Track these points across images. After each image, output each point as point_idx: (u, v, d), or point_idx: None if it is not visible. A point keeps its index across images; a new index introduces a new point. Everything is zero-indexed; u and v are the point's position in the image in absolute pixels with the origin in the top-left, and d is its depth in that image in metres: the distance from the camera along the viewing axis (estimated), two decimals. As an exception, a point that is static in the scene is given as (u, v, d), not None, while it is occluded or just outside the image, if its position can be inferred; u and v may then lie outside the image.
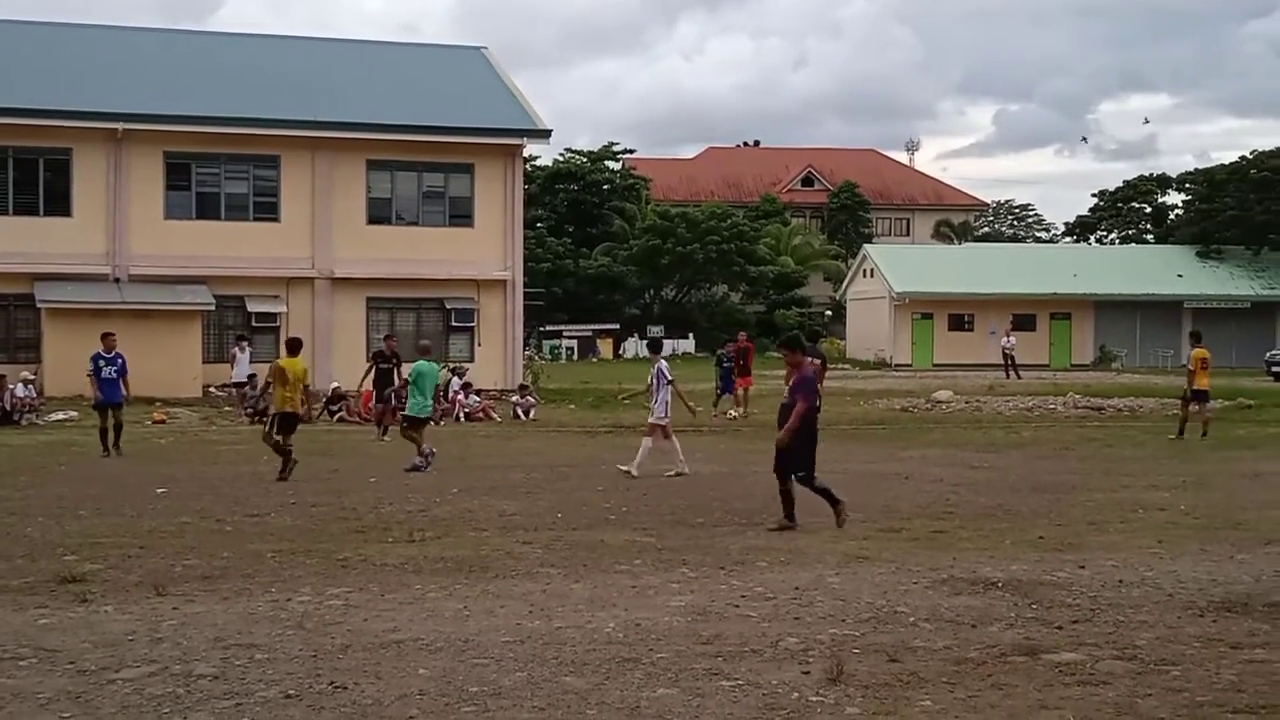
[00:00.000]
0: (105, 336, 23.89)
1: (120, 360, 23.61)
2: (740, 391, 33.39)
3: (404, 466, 20.16)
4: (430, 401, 21.29)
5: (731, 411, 32.80)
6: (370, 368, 29.23)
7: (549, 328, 69.49)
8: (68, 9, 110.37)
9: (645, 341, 52.98)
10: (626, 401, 31.09)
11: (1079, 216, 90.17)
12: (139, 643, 8.78)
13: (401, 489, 18.00)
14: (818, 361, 24.65)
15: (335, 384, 34.63)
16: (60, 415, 31.02)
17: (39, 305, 35.89)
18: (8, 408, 30.36)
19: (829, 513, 14.27)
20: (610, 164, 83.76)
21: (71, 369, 34.31)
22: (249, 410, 31.89)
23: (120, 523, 14.57)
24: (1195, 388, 27.14)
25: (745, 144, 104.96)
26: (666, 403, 20.21)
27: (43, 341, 36.04)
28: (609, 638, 9.07)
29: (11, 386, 30.81)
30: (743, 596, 10.52)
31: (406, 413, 21.49)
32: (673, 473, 19.53)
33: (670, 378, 20.27)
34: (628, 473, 19.41)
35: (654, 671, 8.20)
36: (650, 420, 20.44)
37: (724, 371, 34.17)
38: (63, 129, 36.90)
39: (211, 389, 36.25)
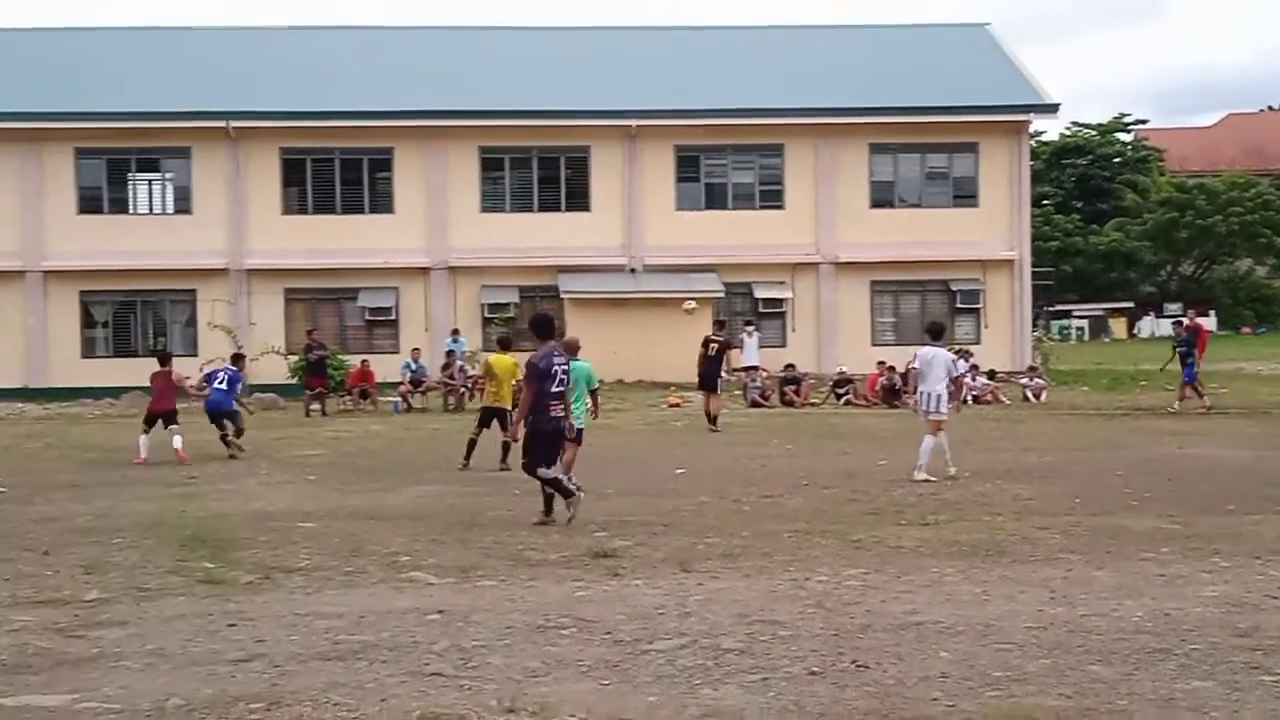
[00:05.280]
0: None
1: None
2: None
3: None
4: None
5: (1177, 405, 29.20)
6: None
7: (1057, 307, 67.59)
8: (587, 12, 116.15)
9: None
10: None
11: None
12: (668, 616, 9.14)
13: (912, 472, 17.92)
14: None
15: (841, 368, 35.00)
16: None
17: (562, 296, 37.97)
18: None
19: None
20: (1121, 136, 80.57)
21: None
22: (759, 394, 32.75)
23: (644, 502, 15.21)
24: None
25: (1270, 109, 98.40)
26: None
27: (565, 330, 38.05)
28: (1137, 627, 8.73)
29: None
30: (1281, 587, 9.91)
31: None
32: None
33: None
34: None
35: (1187, 663, 7.84)
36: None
37: (1181, 356, 29.71)
38: (581, 128, 38.98)
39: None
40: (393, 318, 38.62)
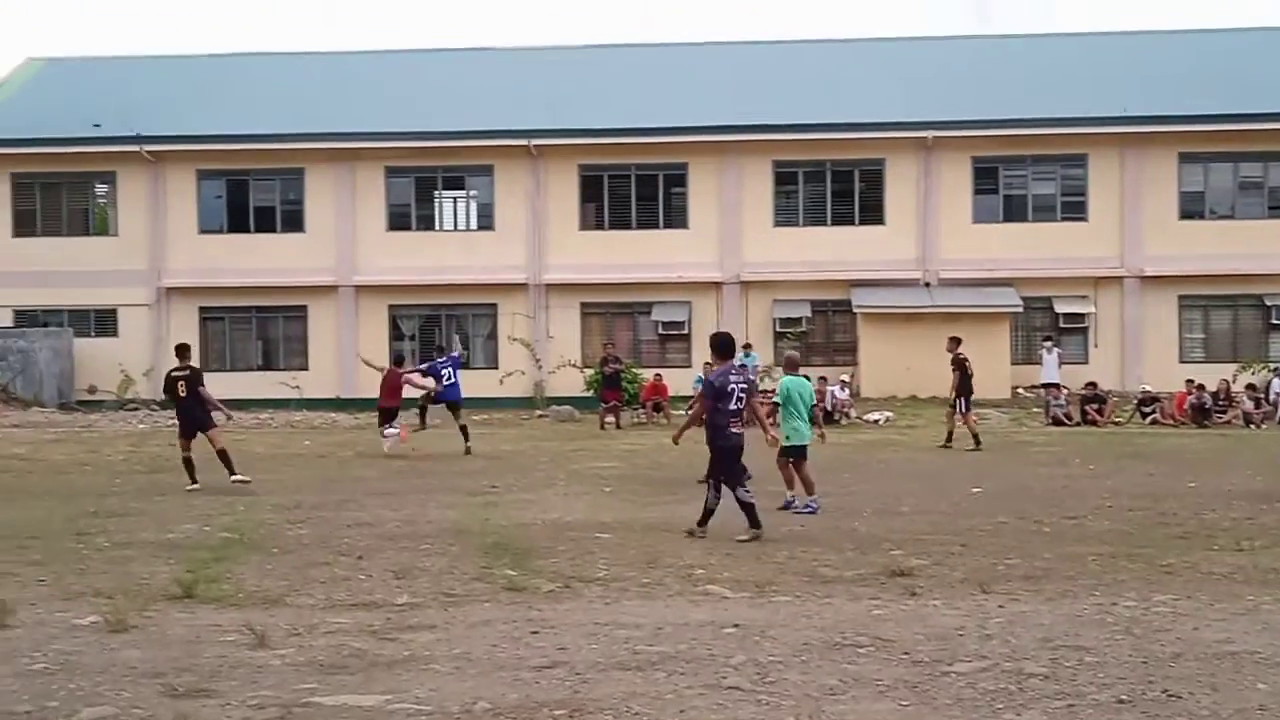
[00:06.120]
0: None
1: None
2: None
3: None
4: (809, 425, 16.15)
5: None
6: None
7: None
8: (884, 23, 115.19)
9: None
10: None
11: None
12: (968, 638, 8.96)
13: (1224, 495, 17.18)
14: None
15: (1145, 386, 33.88)
16: (877, 415, 32.41)
17: (855, 310, 37.78)
18: (829, 408, 32.19)
19: None
20: None
21: (886, 371, 35.94)
22: (1062, 412, 31.89)
23: (940, 520, 14.98)
24: None
25: None
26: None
27: (859, 345, 37.88)
28: None
29: (832, 388, 32.66)
30: None
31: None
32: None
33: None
34: None
35: None
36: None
37: None
38: (876, 141, 38.71)
39: (1020, 390, 36.49)
40: (685, 332, 39.00)
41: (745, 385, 14.03)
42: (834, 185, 39.43)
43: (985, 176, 39.01)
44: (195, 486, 18.62)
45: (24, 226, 40.68)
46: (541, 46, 47.72)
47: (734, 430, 13.84)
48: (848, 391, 33.36)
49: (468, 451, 24.27)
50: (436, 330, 39.94)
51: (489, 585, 11.07)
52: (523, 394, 38.39)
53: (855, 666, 8.22)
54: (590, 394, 35.69)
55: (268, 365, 40.04)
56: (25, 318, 40.17)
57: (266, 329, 40.67)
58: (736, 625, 9.35)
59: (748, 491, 13.74)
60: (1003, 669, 8.13)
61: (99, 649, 8.82)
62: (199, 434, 19.05)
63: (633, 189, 39.76)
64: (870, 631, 9.14)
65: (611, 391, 33.10)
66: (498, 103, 41.09)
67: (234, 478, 18.67)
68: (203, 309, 40.20)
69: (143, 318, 40.07)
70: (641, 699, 7.50)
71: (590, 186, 39.93)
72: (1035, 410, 33.73)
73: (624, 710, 7.30)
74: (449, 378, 25.55)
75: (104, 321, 40.31)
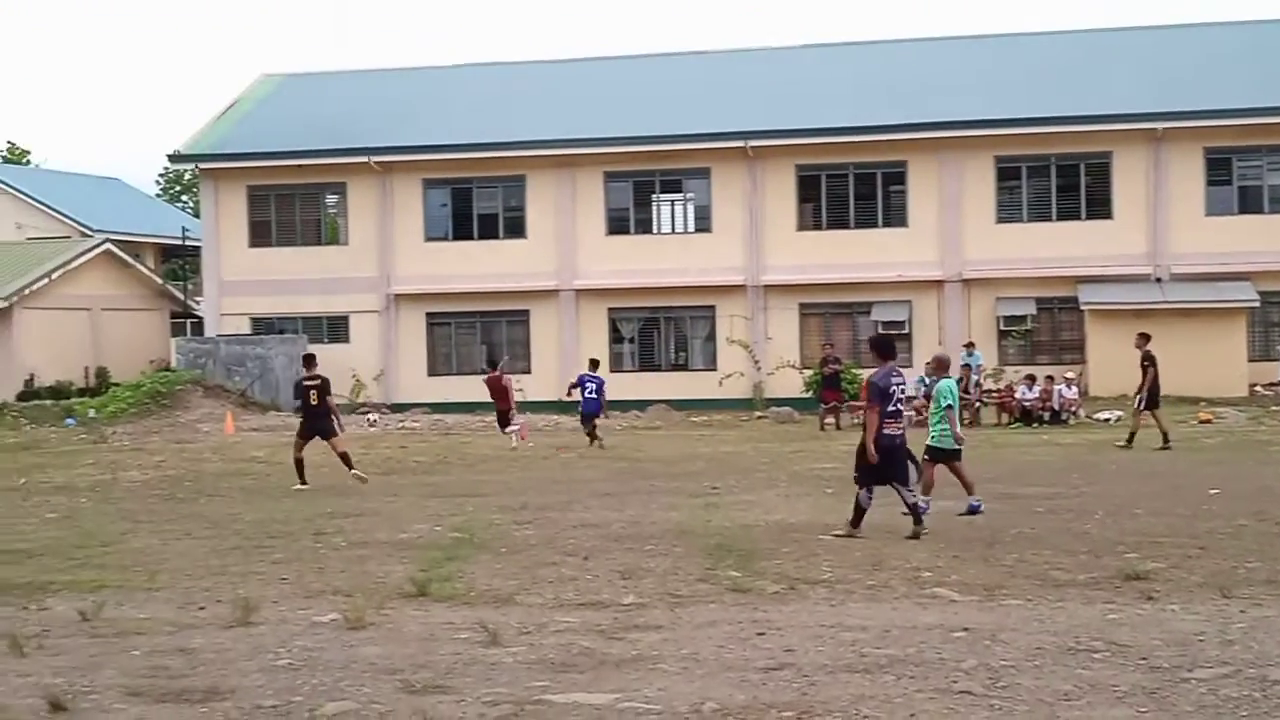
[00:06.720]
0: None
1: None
2: None
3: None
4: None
5: None
6: None
7: None
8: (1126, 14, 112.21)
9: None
10: None
11: None
12: (1209, 643, 8.68)
13: None
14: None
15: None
16: (1106, 415, 31.57)
17: (1082, 307, 36.86)
18: (1056, 407, 31.51)
19: None
20: None
21: (1115, 369, 34.92)
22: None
23: (1176, 522, 14.52)
24: None
25: None
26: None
27: (1086, 343, 36.97)
28: None
29: (1058, 386, 31.95)
30: None
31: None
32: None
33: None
34: None
35: None
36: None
37: None
38: (1102, 133, 37.70)
39: (1258, 388, 35.18)
40: (906, 331, 38.42)
41: (904, 385, 14.13)
42: (1059, 180, 38.53)
43: (1218, 167, 37.72)
44: (304, 487, 19.81)
45: (260, 237, 42.22)
46: (756, 48, 47.63)
47: (887, 431, 13.84)
48: (1075, 390, 32.56)
49: (558, 450, 26.67)
50: (655, 333, 40.21)
51: (714, 586, 11.12)
52: (742, 396, 38.38)
53: (1090, 672, 8.04)
54: (809, 395, 35.52)
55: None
56: (262, 325, 41.70)
57: (490, 333, 41.47)
58: (966, 629, 9.22)
59: (869, 496, 13.95)
60: (1246, 675, 7.86)
61: (339, 646, 9.12)
62: (319, 439, 20.34)
63: (851, 188, 39.44)
64: (1105, 636, 8.92)
65: (831, 392, 32.88)
66: (714, 105, 41.16)
67: (352, 473, 19.82)
68: (429, 314, 41.18)
69: (373, 323, 41.22)
70: (871, 702, 7.45)
71: (808, 186, 39.73)
72: (1274, 408, 32.47)
73: (853, 713, 7.27)
74: (590, 391, 27.83)
75: (336, 327, 41.59)
